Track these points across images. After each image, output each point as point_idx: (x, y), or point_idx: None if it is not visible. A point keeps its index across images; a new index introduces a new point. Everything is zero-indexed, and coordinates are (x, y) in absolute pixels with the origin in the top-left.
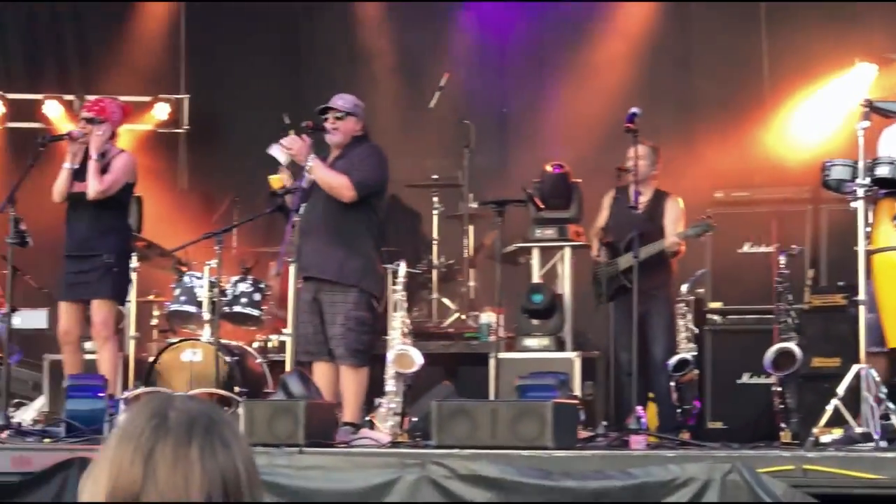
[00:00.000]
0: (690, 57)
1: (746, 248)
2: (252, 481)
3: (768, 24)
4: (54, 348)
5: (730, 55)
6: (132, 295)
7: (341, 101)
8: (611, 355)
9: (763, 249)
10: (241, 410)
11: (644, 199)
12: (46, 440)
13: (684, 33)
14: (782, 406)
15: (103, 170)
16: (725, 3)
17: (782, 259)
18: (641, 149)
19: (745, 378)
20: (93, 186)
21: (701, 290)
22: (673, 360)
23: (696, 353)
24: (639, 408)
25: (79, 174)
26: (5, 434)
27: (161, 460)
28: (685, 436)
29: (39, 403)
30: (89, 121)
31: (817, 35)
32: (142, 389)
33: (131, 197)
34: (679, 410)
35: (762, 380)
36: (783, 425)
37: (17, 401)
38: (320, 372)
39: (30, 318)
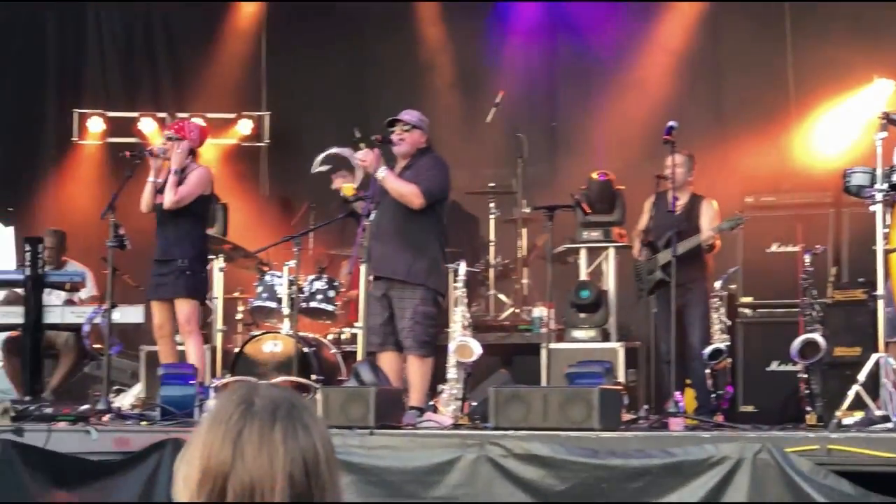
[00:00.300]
0: (722, 70)
1: (774, 248)
2: (330, 461)
3: (793, 39)
4: (150, 341)
5: (758, 69)
6: (219, 291)
7: (408, 115)
8: (651, 345)
9: (789, 249)
10: (318, 396)
11: (681, 202)
12: (143, 423)
13: (717, 47)
14: (808, 391)
15: (180, 183)
16: (755, 18)
17: (807, 258)
18: (678, 157)
19: (774, 366)
20: (168, 197)
21: (733, 286)
22: (708, 350)
23: (728, 343)
24: (677, 393)
25: (164, 188)
26: (107, 418)
27: (248, 442)
28: (719, 418)
29: (137, 390)
30: (170, 139)
31: (839, 51)
32: (230, 378)
33: (208, 207)
34: (713, 395)
35: (789, 367)
36: (809, 409)
37: (117, 388)
38: (386, 360)
39: (128, 314)
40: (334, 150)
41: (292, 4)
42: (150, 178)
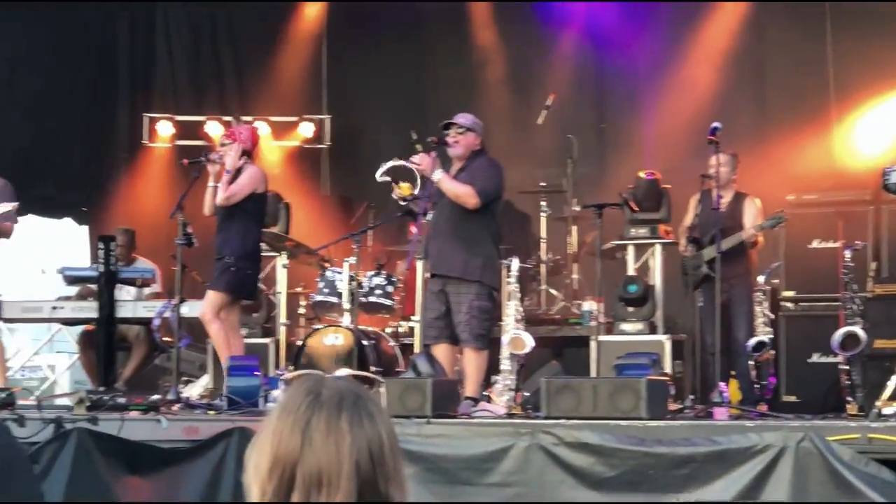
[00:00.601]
0: (765, 69)
1: (815, 244)
2: (394, 450)
3: (834, 39)
4: None
5: (799, 68)
6: (282, 287)
7: (462, 118)
8: (696, 337)
9: (830, 245)
10: (382, 389)
11: (725, 200)
12: (211, 412)
13: (760, 46)
14: (848, 382)
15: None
16: (796, 18)
17: (847, 253)
18: (722, 157)
19: (816, 357)
20: (220, 195)
21: (776, 281)
22: (752, 342)
23: (772, 336)
24: (722, 384)
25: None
26: (177, 407)
27: (316, 430)
28: (763, 408)
29: (205, 381)
30: (224, 144)
31: (880, 50)
32: (299, 372)
33: (261, 206)
34: (757, 386)
35: (830, 359)
36: (849, 399)
37: (185, 379)
38: (440, 352)
39: (196, 308)
40: (394, 162)
41: (349, 6)
42: (210, 184)
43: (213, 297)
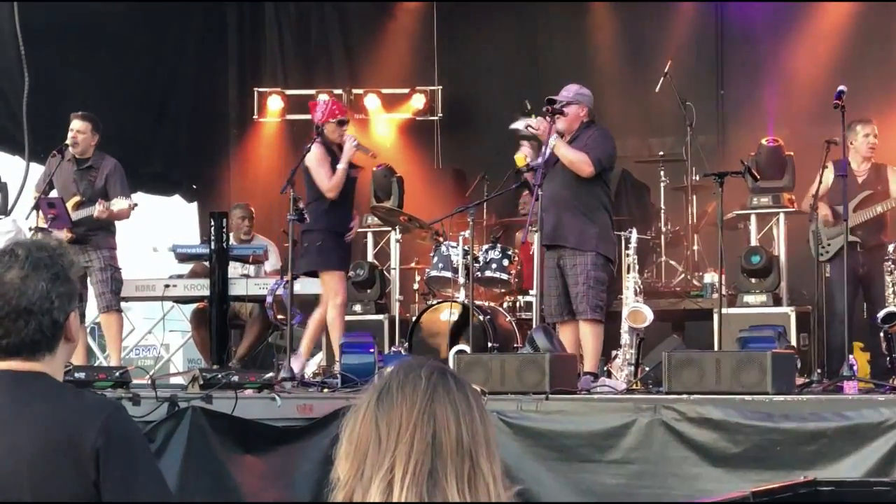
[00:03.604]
0: (892, 31)
1: None
2: (484, 419)
3: None
4: None
5: None
6: (396, 262)
7: (565, 91)
8: (823, 309)
9: None
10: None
11: (864, 167)
12: (325, 390)
13: (887, 7)
14: None
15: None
16: None
17: None
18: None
19: None
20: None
21: None
22: (882, 313)
23: None
24: (851, 356)
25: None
26: (291, 385)
27: (438, 405)
28: (895, 382)
29: (318, 358)
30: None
31: None
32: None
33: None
34: (888, 358)
35: None
36: None
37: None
38: (565, 331)
39: (308, 285)
40: (521, 123)
41: None
42: (340, 166)
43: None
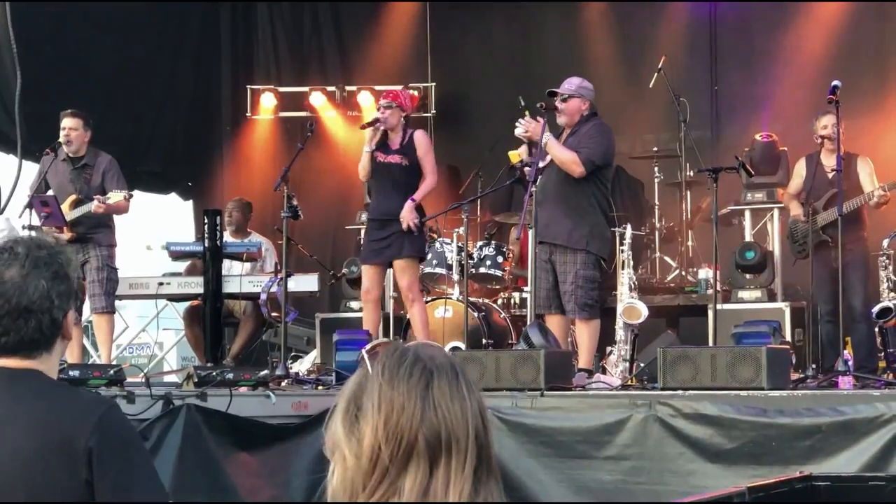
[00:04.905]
0: (884, 27)
1: None
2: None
3: None
4: (325, 308)
5: None
6: None
7: (567, 84)
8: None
9: None
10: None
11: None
12: (320, 387)
13: (879, 4)
14: None
15: (405, 147)
16: None
17: None
18: (833, 118)
19: None
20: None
21: None
22: (876, 308)
23: None
24: (845, 352)
25: (383, 148)
26: (285, 383)
27: (440, 396)
28: (889, 377)
29: (313, 356)
30: (388, 107)
31: None
32: (380, 340)
33: None
34: (882, 354)
35: None
36: None
37: (294, 354)
38: (552, 323)
39: (303, 282)
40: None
41: None
42: (366, 149)
43: (414, 265)
